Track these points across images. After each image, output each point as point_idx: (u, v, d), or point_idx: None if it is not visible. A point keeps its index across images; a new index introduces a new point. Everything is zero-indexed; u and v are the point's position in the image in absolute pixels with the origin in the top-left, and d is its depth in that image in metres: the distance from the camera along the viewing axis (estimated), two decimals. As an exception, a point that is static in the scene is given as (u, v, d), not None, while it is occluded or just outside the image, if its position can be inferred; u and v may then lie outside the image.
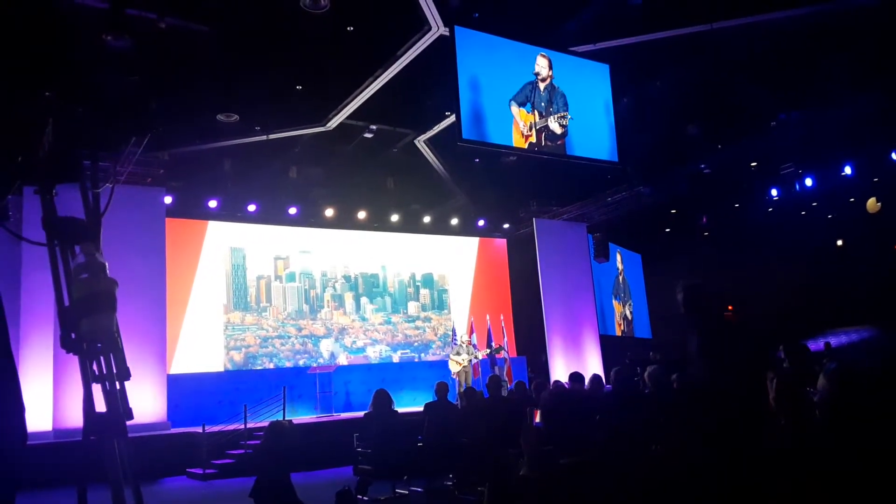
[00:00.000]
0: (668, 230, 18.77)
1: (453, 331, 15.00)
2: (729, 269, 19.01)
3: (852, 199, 15.95)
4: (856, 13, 8.90)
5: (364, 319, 15.02)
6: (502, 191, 14.18)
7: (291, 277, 14.37)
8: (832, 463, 1.82)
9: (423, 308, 15.90)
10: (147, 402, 10.26)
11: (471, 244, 16.84)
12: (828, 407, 2.11)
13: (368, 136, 11.92)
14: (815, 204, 16.79)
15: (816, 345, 13.42)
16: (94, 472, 2.02)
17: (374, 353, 14.92)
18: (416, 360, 15.27)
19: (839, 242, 19.39)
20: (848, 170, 13.90)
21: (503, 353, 14.25)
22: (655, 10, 8.85)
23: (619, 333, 17.44)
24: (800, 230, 17.74)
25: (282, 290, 14.24)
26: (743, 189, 15.60)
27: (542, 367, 14.76)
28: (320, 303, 14.63)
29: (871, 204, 15.09)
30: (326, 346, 14.39)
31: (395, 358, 15.10)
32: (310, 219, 14.34)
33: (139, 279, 10.63)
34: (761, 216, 16.94)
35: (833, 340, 15.13)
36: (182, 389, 11.67)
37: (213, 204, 13.08)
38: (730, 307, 21.26)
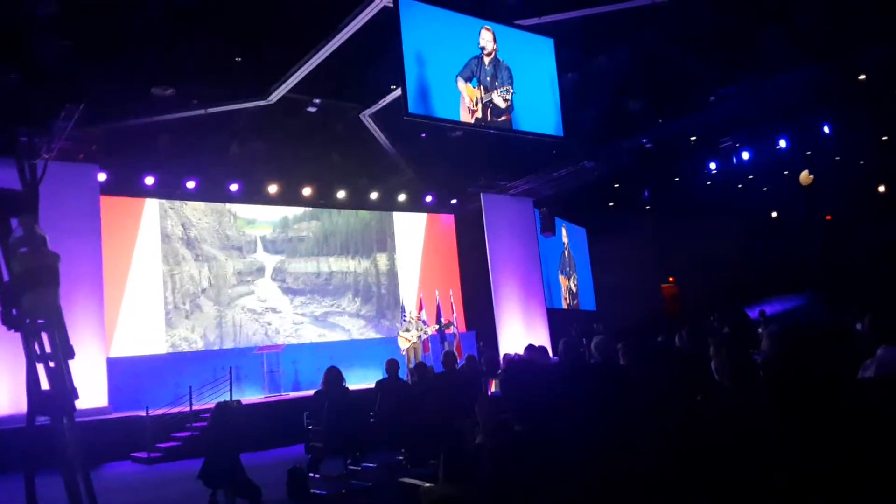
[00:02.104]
0: (611, 204, 19.06)
1: (402, 307, 15.03)
2: (669, 241, 19.59)
3: (787, 172, 16.55)
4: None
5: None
6: (450, 166, 14.17)
7: (235, 256, 14.27)
8: (782, 428, 1.85)
9: (371, 285, 15.90)
10: (87, 387, 9.94)
11: (418, 221, 16.85)
12: (771, 367, 2.14)
13: (312, 110, 11.75)
14: (751, 177, 17.39)
15: (752, 313, 13.82)
16: (39, 458, 1.95)
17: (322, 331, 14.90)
18: (365, 337, 15.29)
19: (773, 214, 20.14)
20: (783, 143, 14.40)
21: (452, 329, 14.42)
22: (599, -17, 8.94)
23: (565, 306, 17.64)
24: (736, 202, 18.33)
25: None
26: (683, 163, 15.98)
27: (491, 342, 14.96)
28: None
29: (804, 176, 15.72)
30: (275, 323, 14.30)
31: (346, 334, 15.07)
32: (253, 195, 14.17)
33: (74, 260, 10.30)
34: (700, 189, 17.42)
35: (768, 309, 15.66)
36: (123, 373, 11.50)
37: (149, 181, 12.77)
38: (671, 278, 22.00)
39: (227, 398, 10.63)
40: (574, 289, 18.47)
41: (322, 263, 15.32)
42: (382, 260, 16.15)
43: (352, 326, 15.43)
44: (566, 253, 18.44)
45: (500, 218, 15.58)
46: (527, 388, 2.40)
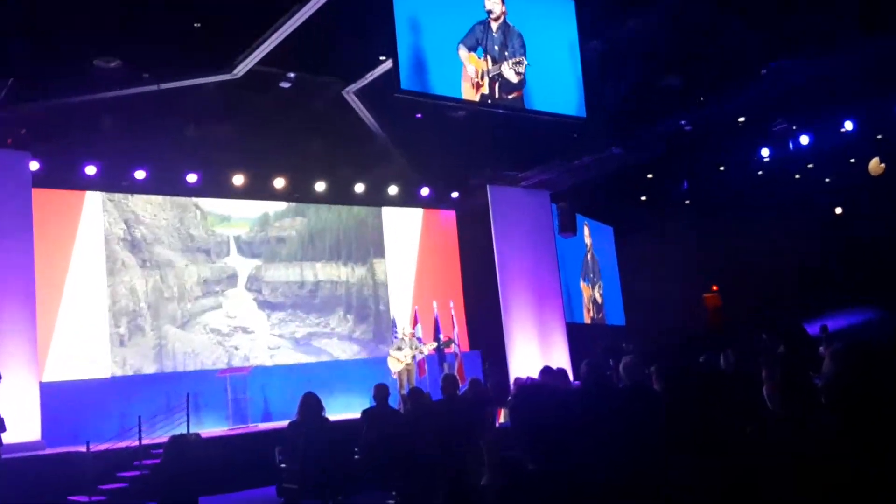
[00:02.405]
0: (643, 198, 19.06)
1: (393, 322, 15.05)
2: (712, 242, 19.56)
3: (853, 160, 16.49)
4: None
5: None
6: (450, 153, 14.19)
7: (193, 260, 14.30)
8: (850, 463, 1.86)
9: (357, 295, 15.97)
10: (15, 417, 9.70)
11: (413, 218, 16.85)
12: (834, 387, 2.15)
13: (285, 85, 11.79)
14: (810, 166, 17.31)
15: (812, 329, 13.86)
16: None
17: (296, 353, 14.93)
18: (348, 358, 15.35)
19: (837, 210, 20.06)
20: (849, 125, 14.33)
21: (453, 347, 14.42)
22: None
23: (587, 320, 17.67)
24: (793, 196, 18.28)
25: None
26: (729, 149, 15.96)
27: (499, 363, 14.94)
28: (231, 291, 14.61)
29: (874, 165, 15.62)
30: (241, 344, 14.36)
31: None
32: (214, 188, 14.20)
33: (1, 264, 10.32)
34: (750, 181, 17.38)
35: (830, 324, 15.56)
36: (59, 401, 11.42)
37: (91, 170, 12.76)
38: (714, 287, 21.98)
39: (184, 430, 10.62)
40: (599, 299, 18.49)
41: (307, 270, 15.36)
42: (381, 267, 16.25)
43: (342, 352, 15.39)
44: (589, 256, 18.38)
45: (510, 215, 15.53)
46: (542, 418, 2.40)
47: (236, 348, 14.21)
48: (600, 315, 18.39)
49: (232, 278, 14.47)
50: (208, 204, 14.44)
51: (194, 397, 11.73)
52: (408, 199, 16.36)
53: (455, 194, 16.76)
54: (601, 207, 18.45)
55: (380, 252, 16.30)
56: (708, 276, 21.23)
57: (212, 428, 12.24)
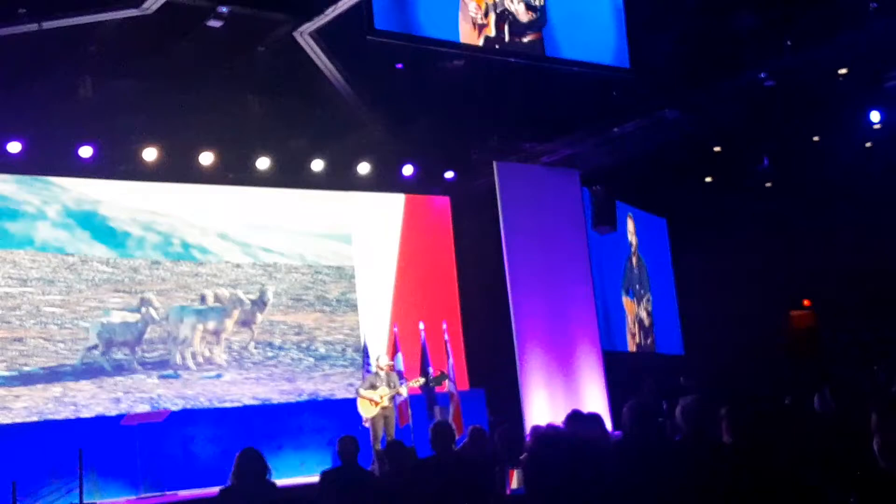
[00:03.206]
0: (708, 180, 19.00)
1: (364, 349, 14.91)
2: (803, 239, 19.45)
3: None
4: None
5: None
6: (443, 118, 14.16)
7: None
8: None
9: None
10: None
11: (392, 206, 16.78)
12: None
13: (215, 24, 11.70)
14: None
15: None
16: None
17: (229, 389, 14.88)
18: (303, 399, 15.34)
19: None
20: None
21: (447, 385, 14.30)
22: None
23: (632, 348, 17.57)
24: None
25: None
26: (826, 112, 15.91)
27: (510, 406, 14.80)
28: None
29: None
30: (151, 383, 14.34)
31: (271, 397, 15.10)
32: (117, 165, 14.21)
33: None
34: (855, 155, 17.30)
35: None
36: None
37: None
38: (805, 302, 21.92)
39: (75, 502, 10.72)
40: (647, 319, 18.44)
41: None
42: (347, 274, 16.48)
43: (294, 391, 15.53)
44: (634, 261, 18.31)
45: (525, 203, 15.35)
46: (568, 482, 2.40)
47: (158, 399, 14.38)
48: (649, 341, 18.27)
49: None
50: (106, 190, 14.40)
51: (89, 455, 11.64)
52: (385, 181, 16.26)
53: (450, 174, 16.62)
54: (650, 193, 18.26)
55: (345, 255, 16.34)
56: (797, 287, 21.16)
57: (114, 497, 12.22)
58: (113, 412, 13.66)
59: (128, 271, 14.61)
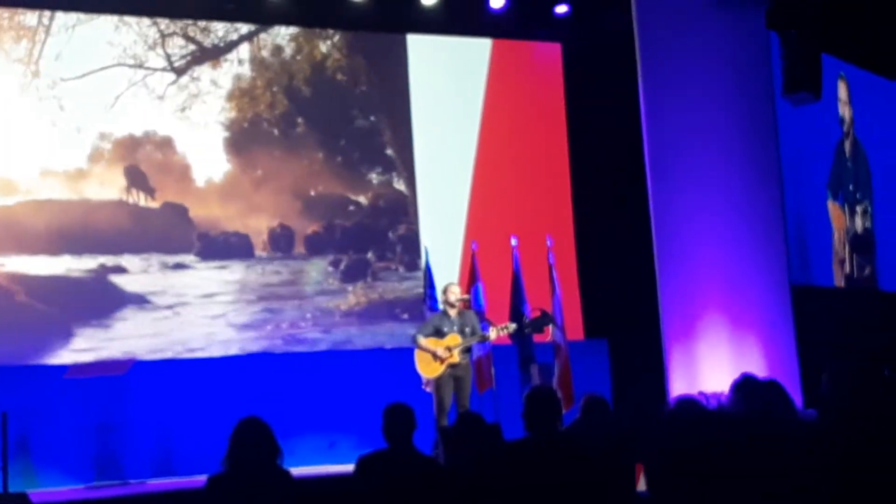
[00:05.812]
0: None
1: (427, 269, 13.32)
2: None
3: None
4: None
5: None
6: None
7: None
8: None
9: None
10: None
11: (472, 56, 15.02)
12: None
13: None
14: None
15: None
16: None
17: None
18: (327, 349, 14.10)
19: None
20: None
21: (551, 332, 12.77)
22: None
23: (839, 282, 15.66)
24: None
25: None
26: None
27: (648, 364, 12.96)
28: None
29: None
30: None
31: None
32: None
33: None
34: None
35: None
36: None
37: None
38: None
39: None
40: (866, 236, 16.52)
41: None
42: (403, 164, 14.82)
43: (324, 338, 14.20)
44: (847, 147, 16.27)
45: (679, 52, 12.71)
46: (725, 482, 2.47)
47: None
48: (867, 271, 16.12)
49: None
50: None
51: (17, 423, 10.78)
52: (460, 18, 14.42)
53: (562, 9, 14.69)
54: (874, 43, 15.70)
55: (403, 133, 14.54)
56: None
57: (53, 486, 11.31)
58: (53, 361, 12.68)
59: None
